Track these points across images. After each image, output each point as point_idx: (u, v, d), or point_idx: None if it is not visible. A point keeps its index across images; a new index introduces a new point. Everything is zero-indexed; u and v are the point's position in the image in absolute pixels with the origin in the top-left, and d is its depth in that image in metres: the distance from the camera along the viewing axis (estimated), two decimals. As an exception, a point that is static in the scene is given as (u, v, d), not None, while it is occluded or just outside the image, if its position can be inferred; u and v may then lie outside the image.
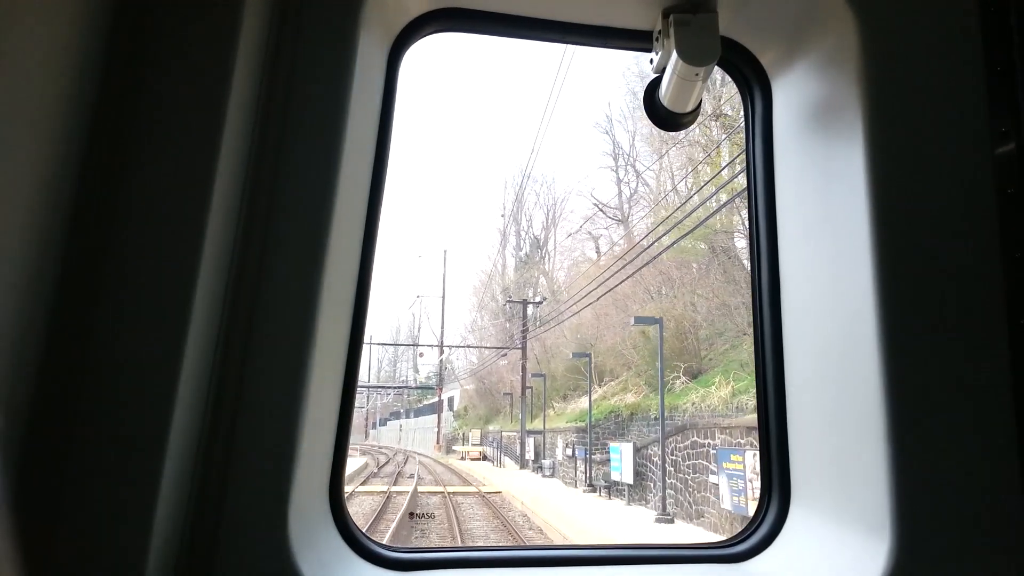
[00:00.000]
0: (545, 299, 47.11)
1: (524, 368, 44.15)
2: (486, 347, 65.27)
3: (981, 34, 1.63)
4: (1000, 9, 1.64)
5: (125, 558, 1.19)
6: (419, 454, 66.05)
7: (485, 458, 53.59)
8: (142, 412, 1.23)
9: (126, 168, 1.30)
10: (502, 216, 74.87)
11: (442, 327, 73.67)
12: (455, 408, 77.19)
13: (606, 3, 1.76)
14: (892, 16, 1.61)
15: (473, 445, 56.94)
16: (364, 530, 1.70)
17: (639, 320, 25.25)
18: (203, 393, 1.35)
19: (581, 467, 29.72)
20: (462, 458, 55.68)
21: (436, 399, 72.29)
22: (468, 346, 72.64)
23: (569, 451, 31.61)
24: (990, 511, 1.49)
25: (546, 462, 36.00)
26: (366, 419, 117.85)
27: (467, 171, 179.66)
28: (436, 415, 70.34)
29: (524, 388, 43.48)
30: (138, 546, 1.19)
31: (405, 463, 50.40)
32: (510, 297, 54.73)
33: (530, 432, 40.39)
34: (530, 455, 39.62)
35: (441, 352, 70.54)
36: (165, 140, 1.32)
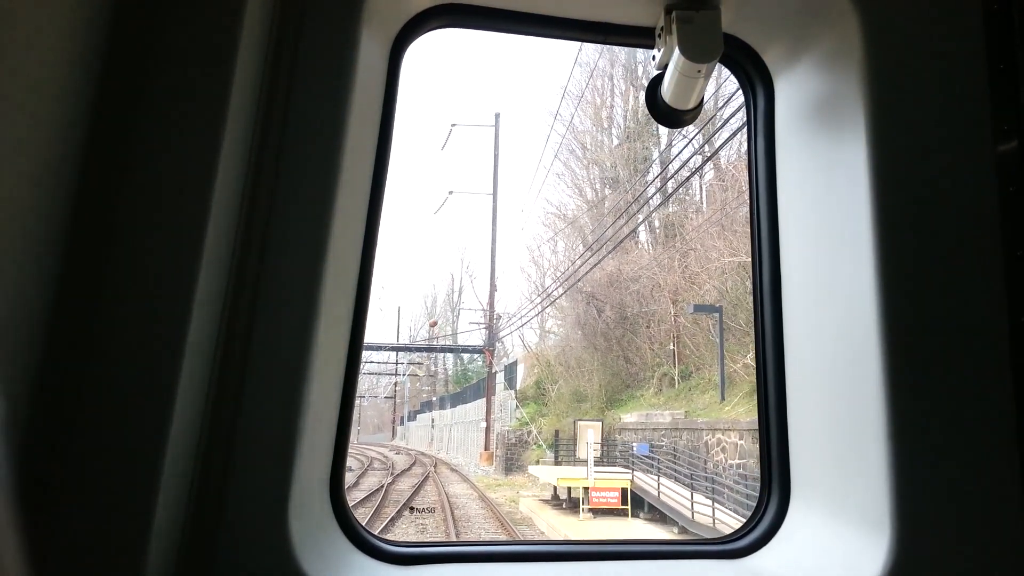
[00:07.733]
0: None
1: None
2: None
3: (984, 32, 1.65)
4: (1003, 7, 1.65)
5: (126, 554, 1.20)
6: (452, 468, 37.21)
7: (630, 503, 18.45)
8: (143, 407, 1.24)
9: (127, 165, 1.31)
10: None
11: (494, 227, 39.17)
12: (517, 384, 42.53)
13: None
14: (895, 13, 1.63)
15: (600, 469, 20.36)
16: None
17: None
18: (204, 388, 1.37)
19: None
20: (556, 500, 20.51)
21: (487, 372, 38.94)
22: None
23: None
24: (989, 508, 1.50)
25: None
26: (393, 411, 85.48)
27: None
28: (485, 399, 36.90)
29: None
30: (139, 541, 1.21)
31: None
32: None
33: None
34: None
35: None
36: (166, 136, 1.33)
